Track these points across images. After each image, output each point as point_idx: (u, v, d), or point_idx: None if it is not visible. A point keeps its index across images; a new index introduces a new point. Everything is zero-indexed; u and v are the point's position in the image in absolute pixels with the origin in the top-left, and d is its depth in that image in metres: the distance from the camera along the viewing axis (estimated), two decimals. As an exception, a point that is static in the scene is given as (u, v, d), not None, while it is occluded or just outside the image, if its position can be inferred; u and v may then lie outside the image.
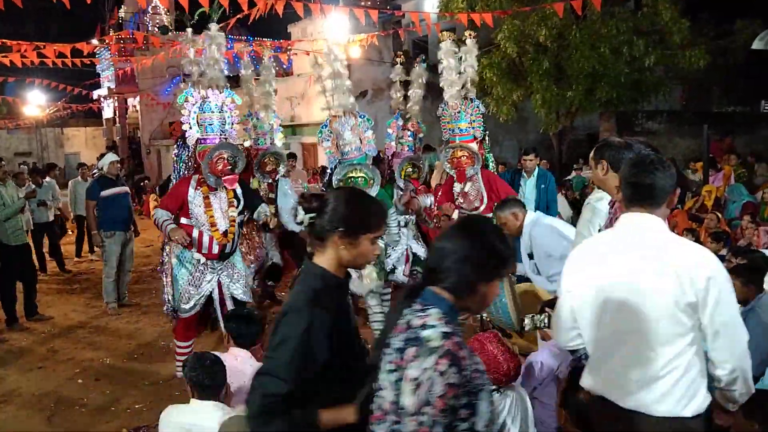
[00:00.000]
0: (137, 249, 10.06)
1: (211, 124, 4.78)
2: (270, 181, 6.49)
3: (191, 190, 4.75)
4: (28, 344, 6.22)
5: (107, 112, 27.76)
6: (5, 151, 26.28)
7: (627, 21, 10.96)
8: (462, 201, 5.81)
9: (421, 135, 6.77)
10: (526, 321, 3.22)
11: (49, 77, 13.35)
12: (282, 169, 6.59)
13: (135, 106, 25.50)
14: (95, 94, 25.30)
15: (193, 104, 4.75)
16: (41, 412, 4.63)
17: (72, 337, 6.39)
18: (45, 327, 6.73)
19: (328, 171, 5.81)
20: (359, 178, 5.13)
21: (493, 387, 3.05)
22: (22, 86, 18.64)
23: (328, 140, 5.49)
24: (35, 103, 22.02)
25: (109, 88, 24.96)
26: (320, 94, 5.38)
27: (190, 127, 4.78)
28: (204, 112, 4.76)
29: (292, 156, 10.21)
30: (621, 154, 3.03)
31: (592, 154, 3.14)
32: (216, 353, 3.31)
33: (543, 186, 6.79)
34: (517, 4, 11.03)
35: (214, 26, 4.97)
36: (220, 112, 4.80)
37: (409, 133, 6.62)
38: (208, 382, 3.07)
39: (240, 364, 3.63)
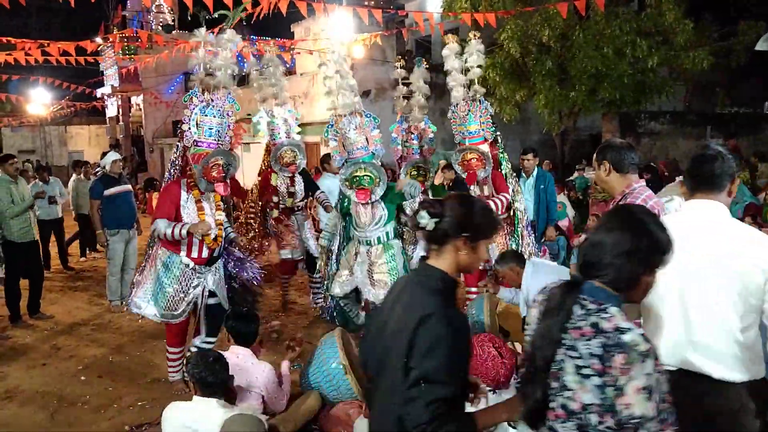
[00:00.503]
0: (140, 247, 10.05)
1: (210, 128, 4.69)
2: (290, 175, 6.54)
3: (183, 194, 4.70)
4: (31, 341, 6.24)
5: (111, 111, 27.80)
6: (9, 149, 26.25)
7: (630, 22, 10.94)
8: None
9: (430, 135, 6.76)
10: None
11: (52, 75, 13.38)
12: (301, 162, 6.62)
13: (138, 105, 25.55)
14: (99, 92, 25.33)
15: (196, 105, 4.70)
16: (44, 408, 4.64)
17: (75, 335, 6.41)
18: (48, 324, 6.76)
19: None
20: (365, 177, 5.06)
21: (489, 389, 3.07)
22: (25, 84, 18.70)
23: (334, 140, 5.41)
24: (39, 101, 22.04)
25: (112, 86, 25.00)
26: (326, 93, 5.32)
27: (189, 128, 4.71)
28: (205, 115, 4.68)
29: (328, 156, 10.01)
30: (623, 155, 3.04)
31: (594, 156, 3.15)
32: (218, 351, 3.33)
33: (542, 187, 6.77)
34: (520, 5, 11.04)
35: (230, 31, 4.90)
36: (221, 117, 4.72)
37: (413, 136, 6.61)
38: (210, 379, 3.09)
39: (241, 362, 3.66)
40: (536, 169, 6.93)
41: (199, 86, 4.72)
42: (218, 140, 4.74)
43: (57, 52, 8.46)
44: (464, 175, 5.87)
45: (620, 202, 3.02)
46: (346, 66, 5.14)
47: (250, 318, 3.89)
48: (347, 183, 5.13)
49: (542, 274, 3.96)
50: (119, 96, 25.63)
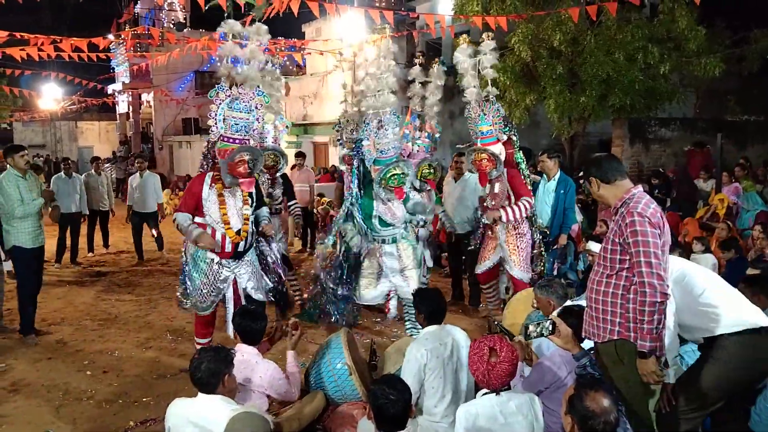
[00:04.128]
0: (148, 244, 10.09)
1: (237, 124, 4.67)
2: (268, 177, 6.58)
3: (206, 188, 4.73)
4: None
5: (121, 107, 27.95)
6: (20, 143, 26.48)
7: (642, 28, 10.88)
8: (492, 201, 5.82)
9: (437, 135, 6.83)
10: (531, 328, 3.19)
11: (64, 71, 13.46)
12: (282, 167, 6.69)
13: (149, 102, 25.67)
14: (110, 88, 25.47)
15: (223, 100, 4.65)
16: (49, 403, 4.66)
17: (81, 329, 6.43)
18: (54, 318, 6.78)
19: (357, 168, 5.78)
20: (401, 175, 5.26)
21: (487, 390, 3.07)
22: (37, 79, 18.81)
23: (368, 139, 5.45)
24: (50, 96, 22.19)
25: (123, 83, 25.14)
26: (359, 90, 5.44)
27: (215, 123, 4.70)
28: (233, 110, 4.64)
29: (301, 155, 10.31)
30: (603, 167, 3.16)
31: (584, 178, 3.35)
32: (219, 346, 3.34)
33: (562, 192, 6.41)
34: (531, 8, 11.00)
35: (260, 25, 4.87)
36: (248, 113, 4.68)
37: (426, 134, 6.67)
38: (205, 380, 3.09)
39: (246, 361, 3.66)
40: (559, 172, 6.53)
41: (226, 80, 4.67)
42: (246, 135, 4.74)
43: (69, 48, 8.51)
44: (476, 174, 5.96)
45: (621, 208, 3.04)
46: (389, 61, 5.22)
47: (258, 316, 3.90)
48: (384, 182, 5.21)
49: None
50: (130, 93, 25.76)
